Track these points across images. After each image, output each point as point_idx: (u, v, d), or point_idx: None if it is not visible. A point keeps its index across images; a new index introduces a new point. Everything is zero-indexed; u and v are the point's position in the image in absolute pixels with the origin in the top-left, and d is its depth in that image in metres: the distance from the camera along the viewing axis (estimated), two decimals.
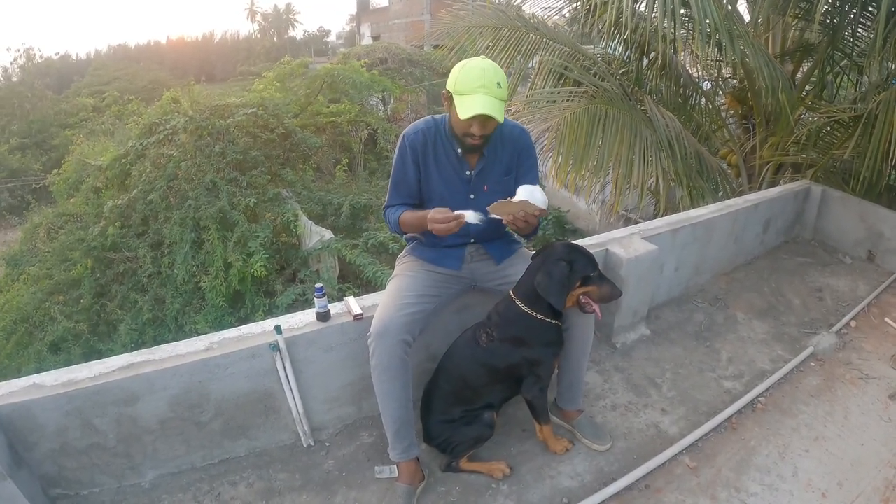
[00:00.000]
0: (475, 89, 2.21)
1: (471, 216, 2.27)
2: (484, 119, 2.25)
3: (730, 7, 4.89)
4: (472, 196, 2.54)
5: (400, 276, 2.65)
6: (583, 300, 2.40)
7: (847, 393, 3.23)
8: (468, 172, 2.52)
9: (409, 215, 2.50)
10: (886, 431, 2.93)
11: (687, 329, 3.92)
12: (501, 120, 2.26)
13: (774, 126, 5.67)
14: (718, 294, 4.39)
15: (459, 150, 2.48)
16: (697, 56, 6.07)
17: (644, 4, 5.16)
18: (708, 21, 4.44)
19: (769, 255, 5.08)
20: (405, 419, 2.42)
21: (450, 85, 2.31)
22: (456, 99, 2.28)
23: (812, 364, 3.51)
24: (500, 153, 2.55)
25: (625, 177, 5.06)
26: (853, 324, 3.97)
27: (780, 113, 5.30)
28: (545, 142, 5.05)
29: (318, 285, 2.65)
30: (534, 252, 2.63)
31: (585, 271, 2.35)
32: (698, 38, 4.46)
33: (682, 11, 4.66)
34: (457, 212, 2.26)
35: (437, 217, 2.24)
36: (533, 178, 2.60)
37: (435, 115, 2.56)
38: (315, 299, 2.65)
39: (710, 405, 3.12)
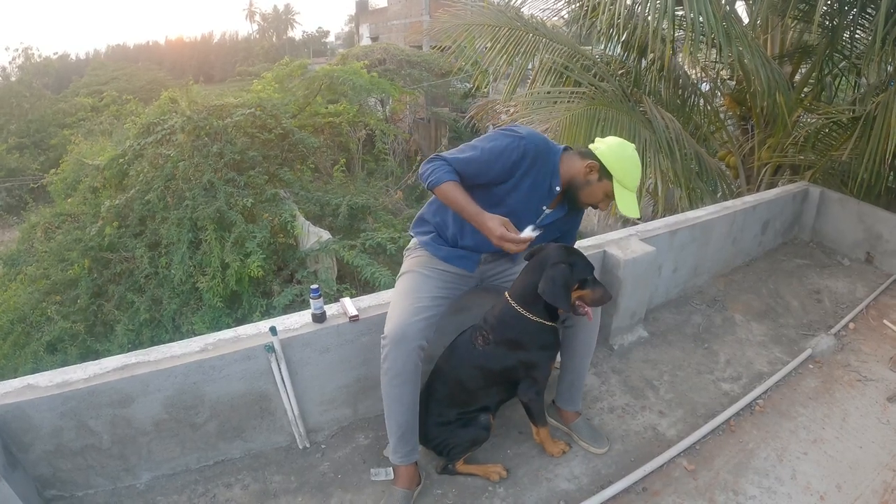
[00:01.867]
0: (635, 187, 2.38)
1: (528, 231, 2.24)
2: (614, 206, 2.40)
3: (727, 8, 4.88)
4: (531, 225, 2.53)
5: (413, 273, 2.58)
6: (577, 303, 2.39)
7: (845, 395, 3.22)
8: (545, 208, 2.48)
9: (461, 194, 2.28)
10: (885, 434, 2.92)
11: (685, 331, 3.91)
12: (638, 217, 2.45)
13: (772, 127, 5.67)
14: (716, 296, 4.38)
15: (558, 189, 2.45)
16: (697, 58, 6.07)
17: (640, 6, 5.16)
18: (702, 20, 4.43)
19: (767, 257, 5.08)
20: (410, 424, 2.40)
21: (610, 165, 2.36)
22: (616, 186, 2.37)
23: (810, 366, 3.51)
24: (570, 216, 2.65)
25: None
26: (851, 326, 3.97)
27: (777, 114, 5.30)
28: None
29: (314, 286, 2.63)
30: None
31: (584, 274, 2.35)
32: (690, 36, 4.46)
33: (678, 13, 4.66)
34: (524, 234, 2.21)
35: (506, 236, 2.17)
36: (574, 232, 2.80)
37: (552, 142, 2.50)
38: (311, 300, 2.63)
39: (707, 407, 3.11)
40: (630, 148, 2.40)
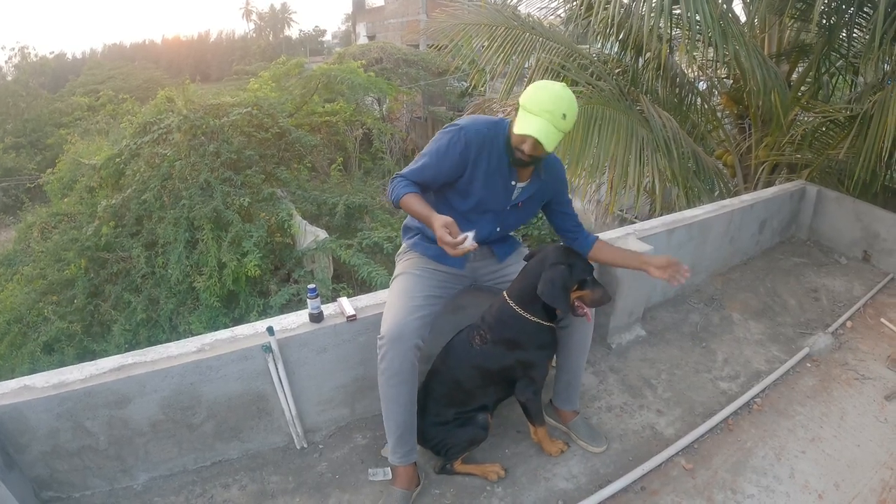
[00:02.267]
0: (541, 112, 2.21)
1: (470, 241, 2.15)
2: (535, 142, 2.24)
3: (724, 6, 4.88)
4: (507, 207, 2.54)
5: (406, 274, 2.60)
6: (576, 304, 2.38)
7: (843, 394, 3.23)
8: (514, 183, 2.49)
9: (417, 202, 2.32)
10: (882, 432, 2.92)
11: (683, 330, 3.91)
12: (550, 150, 2.26)
13: (769, 126, 5.67)
14: (714, 294, 4.38)
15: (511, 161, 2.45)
16: (694, 56, 6.07)
17: (636, 4, 5.15)
18: (698, 17, 4.43)
19: (765, 256, 5.08)
20: (409, 424, 2.40)
21: (521, 97, 2.30)
22: (520, 112, 2.27)
23: (808, 365, 3.51)
24: (546, 178, 2.57)
25: (620, 177, 5.05)
26: (849, 324, 3.97)
27: (773, 114, 5.30)
28: None
29: (311, 286, 2.63)
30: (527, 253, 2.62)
31: (582, 275, 2.35)
32: (686, 34, 4.45)
33: (676, 11, 4.66)
34: (462, 236, 2.16)
35: (445, 239, 2.14)
36: (569, 202, 2.71)
37: (503, 119, 2.51)
38: (308, 300, 2.62)
39: (706, 406, 3.11)
40: (548, 83, 2.30)
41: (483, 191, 2.47)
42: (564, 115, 2.21)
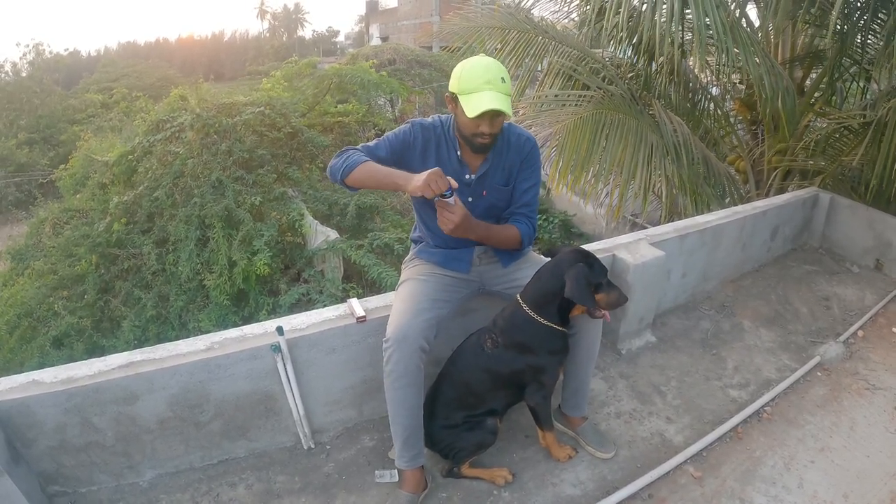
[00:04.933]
0: (480, 86, 2.19)
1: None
2: (493, 116, 2.22)
3: (738, 13, 4.86)
4: (470, 199, 2.50)
5: (411, 280, 2.61)
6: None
7: (853, 403, 3.20)
8: (468, 176, 2.49)
9: (375, 166, 2.33)
10: (892, 443, 2.89)
11: (693, 336, 3.89)
12: (511, 113, 2.23)
13: (781, 132, 5.64)
14: (725, 301, 4.36)
15: (459, 153, 2.45)
16: (706, 61, 6.04)
17: (647, 8, 5.13)
18: (708, 20, 4.41)
19: (776, 263, 5.05)
20: (415, 427, 2.40)
21: (452, 86, 2.29)
22: (461, 99, 2.24)
23: (819, 374, 3.48)
24: (504, 160, 2.51)
25: (627, 183, 5.03)
26: (860, 333, 3.94)
27: (779, 121, 5.27)
28: (548, 148, 5.03)
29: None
30: (542, 255, 2.62)
31: (599, 277, 2.34)
32: (697, 40, 4.42)
33: (688, 13, 4.63)
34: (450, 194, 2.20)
35: (429, 179, 2.13)
36: (529, 188, 2.57)
37: (441, 116, 2.53)
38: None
39: (715, 414, 3.09)
40: (467, 62, 2.29)
41: None
42: (503, 79, 2.21)
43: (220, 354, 2.46)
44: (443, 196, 2.18)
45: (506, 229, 2.54)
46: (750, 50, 4.61)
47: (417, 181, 2.15)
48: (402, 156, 2.44)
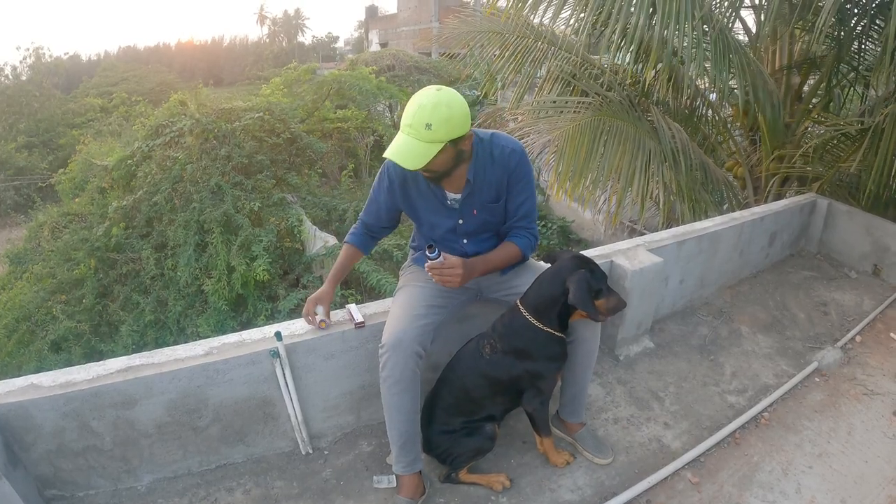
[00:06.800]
0: (403, 127, 2.10)
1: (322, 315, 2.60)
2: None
3: (727, 22, 4.91)
4: (460, 221, 2.48)
5: (407, 286, 2.62)
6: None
7: (851, 409, 3.20)
8: (450, 201, 2.44)
9: (339, 259, 2.71)
10: (891, 448, 2.89)
11: (691, 342, 3.89)
12: (413, 167, 2.10)
13: (776, 140, 5.66)
14: (723, 307, 4.36)
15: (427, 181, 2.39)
16: (705, 67, 6.06)
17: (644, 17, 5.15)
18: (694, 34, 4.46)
19: (774, 269, 5.05)
20: (412, 433, 2.40)
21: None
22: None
23: (816, 379, 3.49)
24: (488, 175, 2.39)
25: (625, 189, 5.04)
26: (858, 339, 3.94)
27: (770, 127, 5.31)
28: (546, 154, 5.04)
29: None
30: (541, 261, 2.62)
31: (599, 284, 2.34)
32: (693, 50, 4.46)
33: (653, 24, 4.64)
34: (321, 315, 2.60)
35: (305, 319, 2.64)
36: (524, 200, 2.48)
37: None
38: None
39: (713, 420, 3.09)
40: (420, 92, 2.13)
41: (426, 213, 2.51)
42: (429, 125, 2.03)
43: (219, 359, 2.46)
44: (429, 256, 2.26)
45: (505, 250, 2.52)
46: (732, 60, 4.64)
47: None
48: (391, 202, 2.54)
